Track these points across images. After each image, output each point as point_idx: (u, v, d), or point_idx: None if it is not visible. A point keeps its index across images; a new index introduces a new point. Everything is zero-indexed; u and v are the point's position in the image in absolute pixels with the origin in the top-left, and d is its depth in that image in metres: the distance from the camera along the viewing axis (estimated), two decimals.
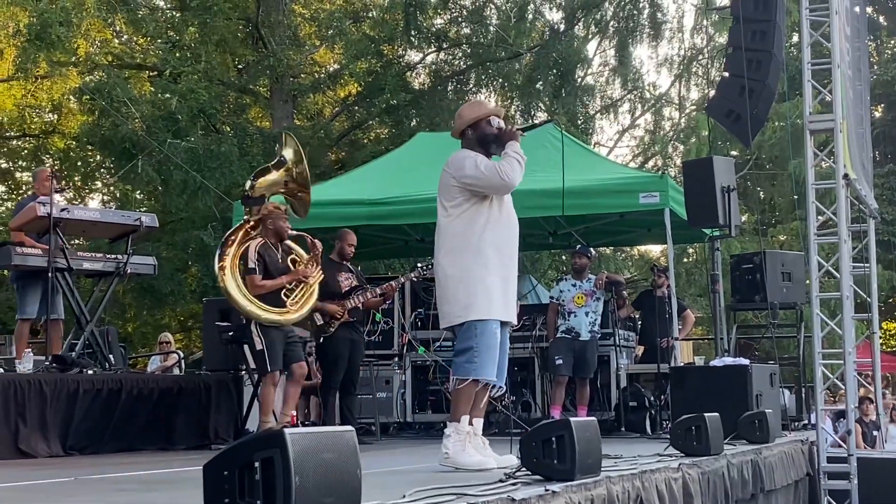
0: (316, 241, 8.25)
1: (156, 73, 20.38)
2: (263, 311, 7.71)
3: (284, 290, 7.85)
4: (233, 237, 8.02)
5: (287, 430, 2.47)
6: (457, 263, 5.32)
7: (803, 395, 12.14)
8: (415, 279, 9.70)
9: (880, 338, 13.43)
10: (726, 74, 10.36)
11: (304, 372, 8.05)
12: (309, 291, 8.01)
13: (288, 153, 8.38)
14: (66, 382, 7.64)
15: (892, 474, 9.40)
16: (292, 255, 8.09)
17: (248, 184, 8.39)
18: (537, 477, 4.33)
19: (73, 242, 9.26)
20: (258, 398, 7.98)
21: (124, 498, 3.84)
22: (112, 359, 9.25)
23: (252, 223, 8.10)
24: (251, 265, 7.73)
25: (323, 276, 8.27)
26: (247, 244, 7.87)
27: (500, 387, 5.47)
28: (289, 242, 8.14)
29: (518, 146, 5.46)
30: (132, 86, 19.58)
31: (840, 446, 9.70)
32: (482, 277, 5.29)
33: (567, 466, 4.29)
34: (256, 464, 2.46)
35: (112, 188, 23.37)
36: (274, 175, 8.35)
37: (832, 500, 9.47)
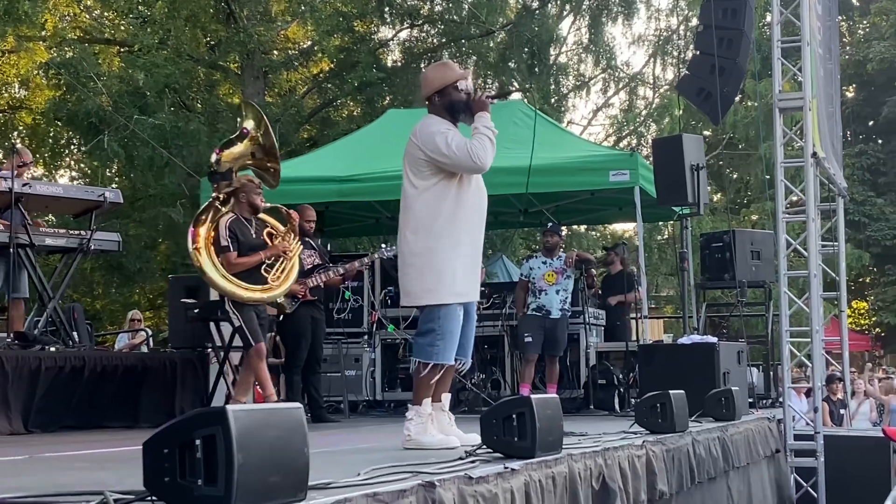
0: (292, 211, 7.98)
1: (125, 48, 20.17)
2: (245, 290, 7.42)
3: (264, 266, 7.57)
4: (203, 216, 7.68)
5: (229, 407, 2.41)
6: (424, 241, 5.18)
7: (771, 373, 12.20)
8: (378, 258, 9.63)
9: (849, 316, 13.49)
10: (697, 53, 10.34)
11: (263, 350, 7.69)
12: (290, 265, 7.71)
13: (249, 123, 7.98)
14: (27, 360, 7.56)
15: (858, 451, 9.46)
16: (267, 229, 7.77)
17: (214, 157, 8.13)
18: (497, 455, 4.29)
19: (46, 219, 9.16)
20: (232, 374, 7.75)
21: (72, 476, 3.77)
22: (77, 336, 9.16)
23: (221, 199, 7.76)
24: (224, 243, 7.41)
25: (301, 248, 8.03)
26: (217, 221, 7.56)
27: (466, 362, 5.44)
28: (262, 216, 7.84)
29: (488, 118, 5.24)
30: (101, 61, 19.36)
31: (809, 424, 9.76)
32: (449, 259, 5.16)
33: (528, 444, 4.24)
34: (197, 441, 2.40)
35: (82, 165, 23.16)
36: (239, 147, 7.94)
37: (799, 477, 9.53)
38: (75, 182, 21.72)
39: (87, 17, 21.86)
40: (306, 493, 2.68)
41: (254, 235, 7.66)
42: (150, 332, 13.53)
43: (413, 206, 5.26)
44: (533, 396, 4.38)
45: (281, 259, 7.67)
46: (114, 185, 17.80)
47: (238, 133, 8.09)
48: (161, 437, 2.44)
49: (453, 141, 5.17)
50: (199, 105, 19.47)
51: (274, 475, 2.51)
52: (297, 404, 2.71)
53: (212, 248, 7.49)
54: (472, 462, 4.02)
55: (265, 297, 7.55)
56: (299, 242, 7.92)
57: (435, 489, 3.32)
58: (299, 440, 2.64)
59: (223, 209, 7.72)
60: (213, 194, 7.86)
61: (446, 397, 5.41)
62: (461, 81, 5.36)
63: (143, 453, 2.45)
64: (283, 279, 7.67)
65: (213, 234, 7.54)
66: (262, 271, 7.57)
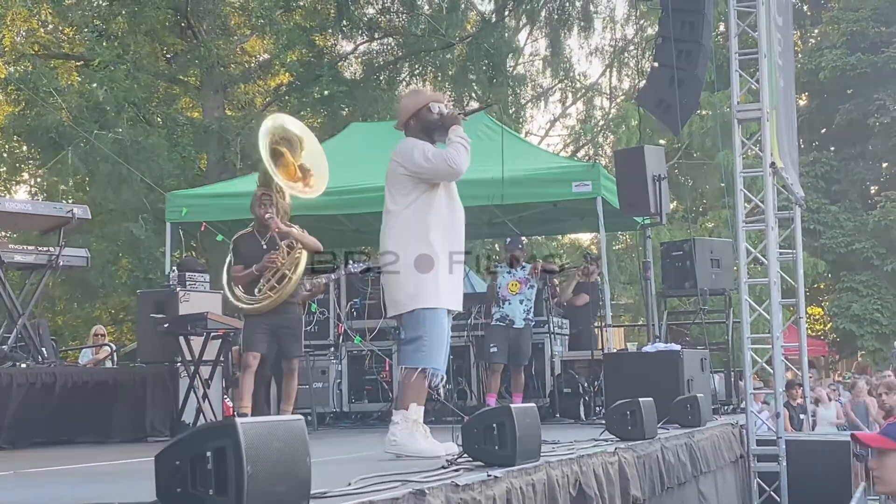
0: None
1: (83, 62, 20.09)
2: (239, 301, 7.84)
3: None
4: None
5: (239, 420, 2.50)
6: (405, 253, 5.37)
7: (732, 379, 12.39)
8: (345, 275, 9.73)
9: (806, 323, 13.71)
10: (656, 64, 10.51)
11: (293, 368, 7.95)
12: (277, 277, 7.79)
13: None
14: None
15: (820, 456, 9.63)
16: (288, 241, 7.87)
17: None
18: (479, 463, 4.39)
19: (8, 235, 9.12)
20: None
21: (70, 490, 3.82)
22: (45, 352, 9.13)
23: None
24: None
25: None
26: None
27: (441, 375, 5.54)
28: (288, 228, 7.93)
29: (461, 130, 5.53)
30: (59, 76, 19.27)
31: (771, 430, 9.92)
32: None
33: (508, 452, 4.36)
34: (208, 453, 2.48)
35: (40, 180, 23.01)
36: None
37: (762, 482, 9.69)
38: (34, 198, 21.57)
39: (44, 32, 21.73)
40: (308, 502, 2.78)
41: (264, 247, 7.83)
42: (114, 347, 13.47)
43: (394, 221, 5.48)
44: (513, 406, 4.50)
45: (274, 272, 7.80)
46: (70, 200, 17.76)
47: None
48: (173, 449, 2.53)
49: (429, 151, 5.46)
50: (158, 119, 19.41)
51: (280, 484, 2.61)
52: (299, 416, 2.81)
53: None
54: (457, 470, 4.12)
55: (253, 307, 7.77)
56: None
57: (425, 497, 3.42)
58: (302, 450, 2.74)
59: None
60: None
61: (419, 410, 5.50)
62: (433, 103, 5.67)
63: (156, 465, 2.54)
64: (268, 292, 7.79)
65: None
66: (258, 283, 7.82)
